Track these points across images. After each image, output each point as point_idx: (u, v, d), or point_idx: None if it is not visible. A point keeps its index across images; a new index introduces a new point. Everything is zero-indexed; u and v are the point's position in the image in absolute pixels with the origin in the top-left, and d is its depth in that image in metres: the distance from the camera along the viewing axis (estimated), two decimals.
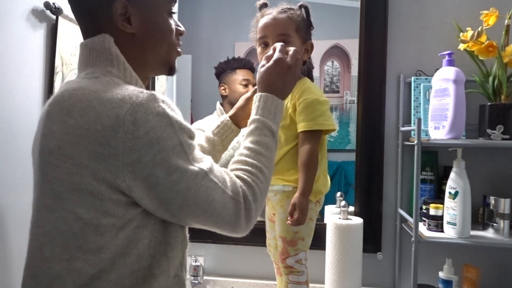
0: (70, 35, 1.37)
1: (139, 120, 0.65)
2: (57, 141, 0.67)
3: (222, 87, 1.88)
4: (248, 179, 0.80)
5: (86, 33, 0.78)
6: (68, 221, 0.67)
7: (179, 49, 0.87)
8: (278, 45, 0.94)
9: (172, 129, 0.69)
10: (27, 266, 0.73)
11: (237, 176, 0.79)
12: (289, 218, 1.04)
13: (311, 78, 1.20)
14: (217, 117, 1.86)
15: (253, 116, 0.88)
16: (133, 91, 0.68)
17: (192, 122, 1.98)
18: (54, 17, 1.31)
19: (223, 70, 1.89)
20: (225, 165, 1.51)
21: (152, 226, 0.72)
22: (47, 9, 1.28)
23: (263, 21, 1.12)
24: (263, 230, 1.25)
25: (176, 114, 0.71)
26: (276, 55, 0.93)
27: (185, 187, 0.69)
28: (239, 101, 1.18)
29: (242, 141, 0.87)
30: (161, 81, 1.75)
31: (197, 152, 0.74)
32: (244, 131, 1.33)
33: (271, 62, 0.92)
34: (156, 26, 0.80)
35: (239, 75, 1.86)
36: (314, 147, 1.05)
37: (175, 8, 0.85)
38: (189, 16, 1.94)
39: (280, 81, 0.92)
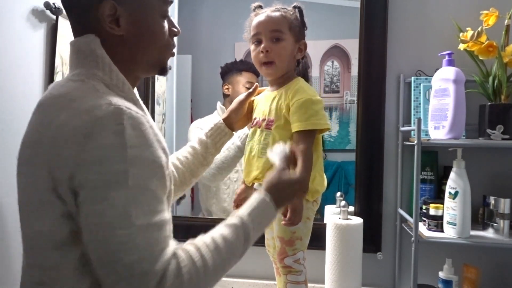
0: (70, 35, 1.37)
1: (92, 134, 0.61)
2: (29, 150, 0.69)
3: (226, 87, 1.88)
4: (184, 268, 0.65)
5: (75, 31, 0.77)
6: (32, 233, 0.69)
7: (173, 50, 0.85)
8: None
9: (122, 154, 0.62)
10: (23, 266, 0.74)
11: (177, 255, 0.66)
12: (282, 218, 1.04)
13: (307, 78, 1.19)
14: (218, 117, 1.86)
15: (242, 210, 0.81)
16: (102, 103, 0.64)
17: (192, 122, 1.98)
18: (54, 17, 1.31)
19: (229, 70, 1.89)
20: (220, 165, 1.51)
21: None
22: (47, 9, 1.28)
23: (256, 19, 1.12)
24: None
25: (141, 136, 0.64)
26: (300, 176, 0.94)
27: (101, 224, 0.61)
28: (233, 103, 1.18)
29: (216, 227, 0.77)
30: (161, 81, 1.75)
31: (152, 195, 0.64)
32: (237, 134, 1.35)
33: (296, 178, 0.92)
34: (146, 28, 0.77)
35: (244, 77, 1.86)
36: (308, 147, 1.05)
37: (171, 9, 0.83)
38: (189, 16, 1.94)
39: (286, 196, 0.90)
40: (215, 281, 0.72)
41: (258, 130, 1.13)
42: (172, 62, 2.12)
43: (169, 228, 0.68)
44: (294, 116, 1.06)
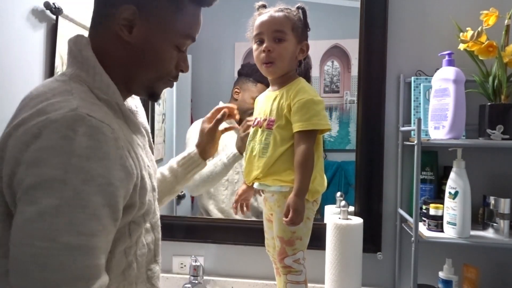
0: (70, 35, 1.37)
1: (42, 135, 0.58)
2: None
3: (237, 90, 1.80)
4: None
5: (92, 22, 0.77)
6: None
7: (172, 81, 0.81)
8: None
9: (66, 161, 0.57)
10: None
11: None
12: (284, 218, 1.04)
13: (309, 78, 1.20)
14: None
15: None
16: (66, 104, 0.61)
17: (192, 122, 1.98)
18: (54, 17, 1.31)
19: (247, 75, 1.79)
20: (205, 178, 1.49)
21: None
22: (47, 9, 1.28)
23: (259, 19, 1.13)
24: (262, 230, 1.25)
25: (97, 148, 0.59)
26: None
27: (22, 231, 0.56)
28: (205, 135, 1.17)
29: None
30: None
31: (90, 215, 0.58)
32: (225, 152, 1.36)
33: None
34: (154, 50, 0.74)
35: (257, 90, 1.75)
36: (309, 147, 1.05)
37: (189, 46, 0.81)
38: None
39: None
40: None
41: (259, 130, 1.14)
42: None
43: (104, 257, 0.62)
44: (295, 116, 1.07)
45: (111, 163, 0.61)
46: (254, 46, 1.14)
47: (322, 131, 1.11)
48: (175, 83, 0.82)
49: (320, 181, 1.13)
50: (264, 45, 1.10)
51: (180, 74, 0.83)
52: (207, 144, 1.16)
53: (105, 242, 0.62)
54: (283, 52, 1.10)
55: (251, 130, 1.18)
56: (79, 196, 0.57)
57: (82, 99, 0.65)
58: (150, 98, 0.81)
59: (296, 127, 1.06)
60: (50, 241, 0.56)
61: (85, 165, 0.58)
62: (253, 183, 1.17)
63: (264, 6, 1.16)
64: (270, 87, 1.19)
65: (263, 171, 1.10)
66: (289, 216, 1.03)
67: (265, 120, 1.13)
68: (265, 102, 1.16)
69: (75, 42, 0.73)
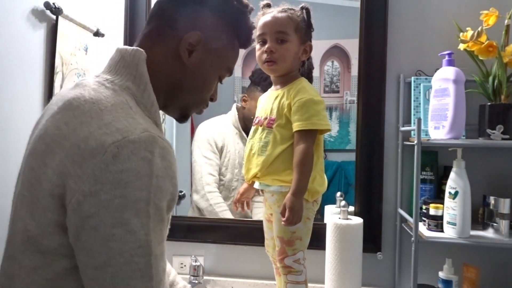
0: (70, 35, 1.37)
1: (121, 155, 0.60)
2: (44, 145, 0.65)
3: (245, 98, 1.76)
4: None
5: (147, 34, 0.78)
6: (22, 229, 0.65)
7: (202, 108, 0.86)
8: None
9: (147, 181, 0.61)
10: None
11: None
12: (281, 218, 1.04)
13: (311, 79, 1.21)
14: (229, 121, 1.80)
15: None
16: (138, 125, 0.64)
17: (192, 123, 1.98)
18: (54, 17, 1.31)
19: (256, 84, 1.74)
20: None
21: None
22: (47, 9, 1.28)
23: (263, 19, 1.13)
24: (262, 230, 1.25)
25: (167, 168, 0.64)
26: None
27: (118, 249, 0.60)
28: None
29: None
30: None
31: (162, 227, 0.65)
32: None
33: None
34: (204, 76, 0.80)
35: None
36: (308, 147, 1.05)
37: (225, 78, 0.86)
38: None
39: None
40: None
41: (260, 129, 1.14)
42: None
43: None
44: (295, 116, 1.07)
45: (175, 181, 0.67)
46: (257, 46, 1.15)
47: (322, 131, 1.12)
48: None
49: (320, 181, 1.13)
50: (267, 45, 1.10)
51: None
52: None
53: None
54: (285, 53, 1.10)
55: (252, 128, 1.18)
56: (159, 212, 0.63)
57: (140, 114, 0.68)
58: (181, 119, 0.85)
59: (296, 126, 1.06)
60: (149, 255, 0.61)
61: (162, 184, 0.63)
62: (253, 182, 1.17)
63: (268, 6, 1.16)
64: (272, 86, 1.19)
65: (261, 169, 1.11)
66: (286, 215, 1.02)
67: (265, 118, 1.13)
68: (267, 101, 1.16)
69: (134, 56, 0.74)
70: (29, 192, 0.65)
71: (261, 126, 1.14)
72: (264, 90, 1.62)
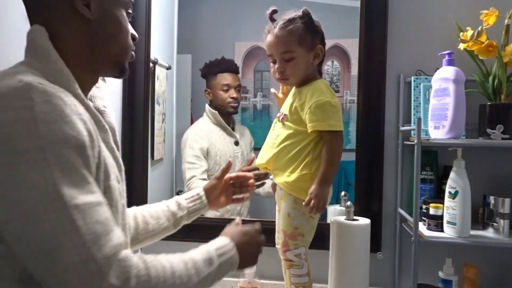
0: None
1: None
2: None
3: (207, 92, 1.90)
4: (151, 265, 0.63)
5: (32, 20, 0.71)
6: None
7: (132, 53, 0.80)
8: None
9: (34, 129, 0.55)
10: None
11: (139, 256, 0.63)
12: (306, 207, 1.08)
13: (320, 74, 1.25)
14: (208, 120, 1.86)
15: (208, 246, 0.81)
16: (14, 80, 0.59)
17: (192, 122, 1.98)
18: None
19: (206, 75, 1.90)
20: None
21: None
22: None
23: (268, 39, 1.16)
24: (263, 230, 1.25)
25: (55, 112, 0.58)
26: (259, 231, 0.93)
27: (26, 211, 0.54)
28: (212, 181, 1.16)
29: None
30: (161, 80, 1.75)
31: (80, 176, 0.58)
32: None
33: (256, 239, 0.90)
34: (114, 19, 0.75)
35: (219, 80, 1.86)
36: (332, 145, 1.11)
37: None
38: (189, 16, 1.94)
39: (250, 258, 0.89)
40: None
41: (278, 122, 1.20)
42: (172, 62, 2.13)
43: (109, 211, 0.62)
44: (313, 116, 1.10)
45: (73, 123, 0.59)
46: (271, 64, 1.19)
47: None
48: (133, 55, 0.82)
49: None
50: (276, 66, 1.15)
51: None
52: (211, 193, 1.15)
53: (103, 200, 0.63)
54: (294, 69, 1.14)
55: (274, 121, 1.24)
56: (63, 159, 0.57)
57: (33, 76, 0.63)
58: (120, 74, 0.79)
59: (314, 127, 1.10)
60: (63, 208, 0.55)
61: (55, 129, 0.57)
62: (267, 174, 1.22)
63: (275, 12, 1.16)
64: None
65: (269, 161, 1.16)
66: (311, 203, 1.07)
67: (282, 114, 1.19)
68: (288, 98, 1.21)
69: (30, 32, 0.69)
70: None
71: (279, 120, 1.19)
72: (213, 73, 1.87)
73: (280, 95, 1.31)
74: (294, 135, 1.13)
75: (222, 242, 0.83)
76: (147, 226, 1.02)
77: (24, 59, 0.70)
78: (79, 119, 0.61)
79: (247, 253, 0.86)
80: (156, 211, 1.06)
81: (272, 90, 1.34)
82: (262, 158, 1.19)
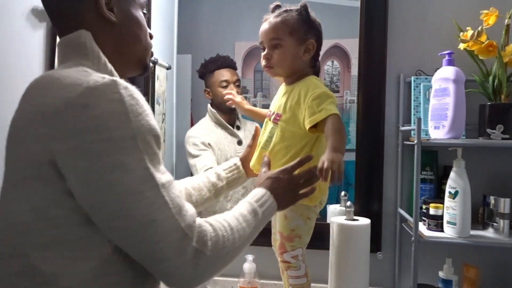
0: None
1: (90, 104, 0.61)
2: (16, 129, 0.67)
3: (206, 91, 1.88)
4: (217, 227, 0.71)
5: (61, 31, 0.76)
6: (20, 212, 0.63)
7: (152, 50, 0.86)
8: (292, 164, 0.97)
9: (126, 119, 0.62)
10: None
11: (205, 221, 0.71)
12: (320, 177, 0.94)
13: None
14: (209, 120, 1.85)
15: (248, 199, 0.86)
16: (95, 76, 0.64)
17: (192, 122, 1.98)
18: None
19: (203, 74, 1.88)
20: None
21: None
22: None
23: (262, 27, 1.14)
24: (263, 230, 1.25)
25: (138, 105, 0.64)
26: (290, 170, 0.95)
27: (124, 191, 0.60)
28: (246, 150, 1.22)
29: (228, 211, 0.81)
30: (161, 80, 1.75)
31: (158, 160, 0.66)
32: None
33: (289, 180, 0.94)
34: (135, 20, 0.80)
35: (217, 77, 1.85)
36: (335, 122, 1.02)
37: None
38: (189, 16, 1.94)
39: (288, 199, 0.94)
40: (237, 253, 0.77)
41: (269, 122, 1.16)
42: (172, 62, 2.13)
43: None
44: (311, 109, 1.05)
45: (151, 117, 0.66)
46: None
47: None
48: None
49: (323, 187, 1.11)
50: (264, 52, 1.13)
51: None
52: (245, 161, 1.20)
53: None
54: (280, 58, 1.11)
55: (265, 120, 1.20)
56: (149, 146, 0.64)
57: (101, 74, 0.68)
58: (144, 72, 0.85)
59: (316, 118, 1.03)
60: (156, 187, 0.62)
61: (141, 119, 0.63)
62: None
63: (278, 7, 1.15)
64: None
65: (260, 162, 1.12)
66: (325, 167, 0.92)
67: (273, 113, 1.15)
68: (278, 96, 1.19)
69: (79, 36, 0.73)
70: (17, 173, 0.65)
71: (270, 120, 1.16)
72: (210, 70, 1.84)
73: (238, 98, 1.31)
74: (289, 137, 1.09)
75: (259, 194, 0.88)
76: (191, 198, 1.09)
77: (71, 61, 0.72)
78: (151, 112, 0.68)
79: (284, 196, 0.92)
80: (198, 183, 1.12)
81: (228, 96, 1.33)
82: (257, 160, 1.15)
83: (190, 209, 0.68)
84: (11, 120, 0.71)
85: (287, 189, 0.93)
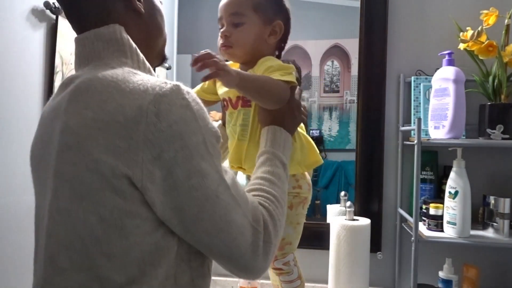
0: (70, 35, 1.37)
1: (162, 111, 0.59)
2: (75, 136, 0.61)
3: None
4: (270, 207, 0.72)
5: (82, 24, 0.71)
6: (88, 224, 0.60)
7: None
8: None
9: (196, 125, 0.62)
10: (37, 282, 0.65)
11: (261, 206, 0.71)
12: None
13: (299, 82, 1.08)
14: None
15: (262, 148, 0.85)
16: (156, 81, 0.62)
17: None
18: (54, 16, 1.31)
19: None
20: None
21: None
22: (47, 8, 1.27)
23: (221, 1, 0.99)
24: None
25: (202, 109, 0.64)
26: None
27: (203, 196, 0.61)
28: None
29: (254, 172, 0.81)
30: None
31: (221, 161, 0.67)
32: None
33: (293, 106, 0.91)
34: (159, 11, 0.78)
35: None
36: (285, 87, 0.90)
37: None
38: (189, 16, 1.94)
39: (291, 118, 0.91)
40: (285, 211, 0.78)
41: (235, 111, 0.99)
42: (172, 62, 2.13)
43: None
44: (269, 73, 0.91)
45: (210, 119, 0.67)
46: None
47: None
48: None
49: (309, 147, 1.00)
50: (222, 29, 0.97)
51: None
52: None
53: None
54: (241, 37, 0.95)
55: (226, 113, 1.03)
56: (216, 148, 0.65)
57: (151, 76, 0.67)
58: (162, 62, 0.84)
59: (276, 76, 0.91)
60: (228, 189, 0.64)
61: (205, 123, 0.64)
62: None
63: None
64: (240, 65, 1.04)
65: (245, 158, 0.98)
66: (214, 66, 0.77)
67: (238, 98, 0.98)
68: None
69: (113, 32, 0.69)
70: (84, 185, 0.60)
71: (235, 108, 0.99)
72: None
73: (217, 118, 1.15)
74: (270, 112, 0.91)
75: (277, 135, 0.87)
76: None
77: (107, 59, 0.68)
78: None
79: (292, 123, 0.91)
80: None
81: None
82: (236, 156, 1.00)
83: (252, 201, 0.69)
84: (60, 127, 0.63)
85: (294, 116, 0.92)
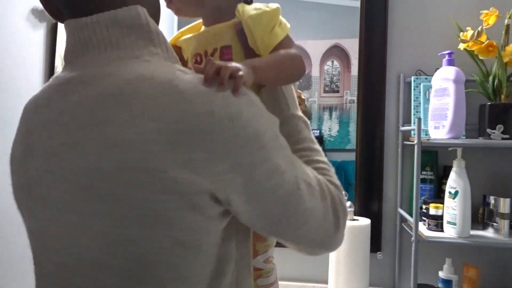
0: None
1: (234, 114, 0.52)
2: (137, 153, 0.50)
3: None
4: (334, 181, 0.67)
5: (91, 6, 0.58)
6: (163, 249, 0.53)
7: None
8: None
9: (264, 120, 0.57)
10: None
11: (325, 179, 0.67)
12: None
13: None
14: None
15: (289, 111, 0.73)
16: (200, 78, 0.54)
17: None
18: None
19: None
20: None
21: (236, 234, 0.62)
22: None
23: None
24: None
25: (258, 98, 0.58)
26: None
27: (286, 192, 0.58)
28: None
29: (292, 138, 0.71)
30: None
31: (289, 147, 0.62)
32: None
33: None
34: None
35: None
36: (299, 54, 0.78)
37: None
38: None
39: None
40: None
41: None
42: None
43: None
44: (258, 32, 0.74)
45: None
46: None
47: None
48: None
49: None
50: None
51: None
52: None
53: None
54: None
55: None
56: (283, 138, 0.61)
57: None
58: None
59: (271, 42, 0.75)
60: (305, 179, 0.60)
61: (268, 113, 0.60)
62: None
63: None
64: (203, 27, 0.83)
65: None
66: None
67: (215, 50, 0.77)
68: (201, 36, 0.80)
69: (132, 16, 0.58)
70: (152, 209, 0.51)
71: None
72: None
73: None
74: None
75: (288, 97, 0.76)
76: None
77: (131, 49, 0.57)
78: None
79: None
80: None
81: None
82: None
83: (320, 180, 0.65)
84: (106, 141, 0.51)
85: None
